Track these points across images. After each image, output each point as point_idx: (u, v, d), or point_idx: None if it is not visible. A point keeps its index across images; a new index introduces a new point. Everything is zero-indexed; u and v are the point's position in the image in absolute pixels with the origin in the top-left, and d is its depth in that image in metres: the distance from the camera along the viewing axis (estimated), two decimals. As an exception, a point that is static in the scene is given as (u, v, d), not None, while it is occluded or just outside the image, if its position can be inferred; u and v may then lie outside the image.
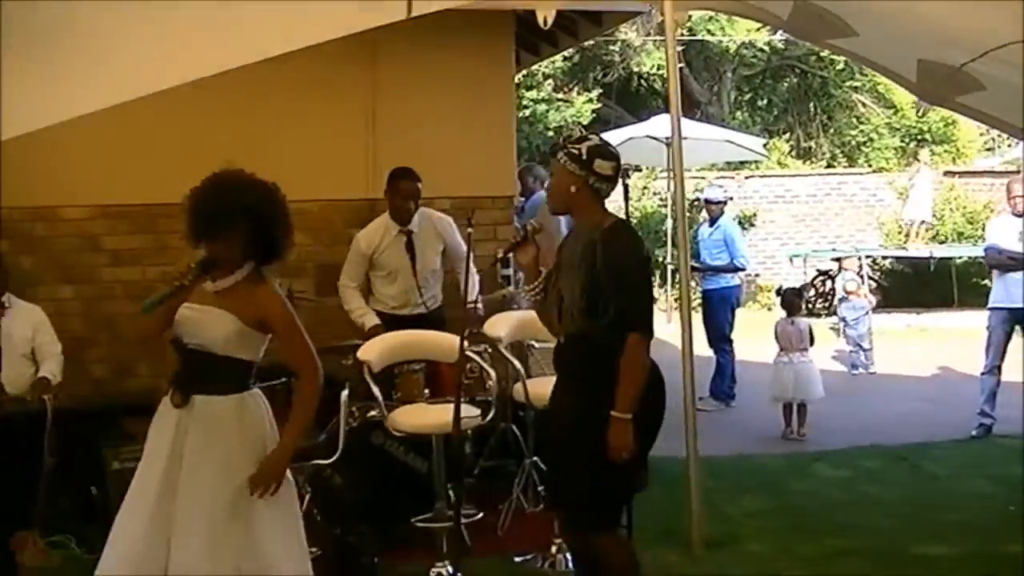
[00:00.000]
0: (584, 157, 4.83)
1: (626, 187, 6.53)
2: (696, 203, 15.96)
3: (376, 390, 6.15)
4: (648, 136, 16.15)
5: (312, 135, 8.58)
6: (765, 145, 20.14)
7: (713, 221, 11.47)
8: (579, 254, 4.85)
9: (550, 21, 7.11)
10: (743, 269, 11.39)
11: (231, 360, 4.52)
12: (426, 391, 6.85)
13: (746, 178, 21.24)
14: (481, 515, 6.71)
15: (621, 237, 4.90)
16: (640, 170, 20.26)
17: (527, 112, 20.84)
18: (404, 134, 8.64)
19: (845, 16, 6.23)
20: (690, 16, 21.26)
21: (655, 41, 22.09)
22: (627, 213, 6.49)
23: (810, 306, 18.11)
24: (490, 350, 6.97)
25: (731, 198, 11.82)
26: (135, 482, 4.52)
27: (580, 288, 4.78)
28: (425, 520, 6.32)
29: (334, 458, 5.98)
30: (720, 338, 11.14)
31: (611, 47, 21.59)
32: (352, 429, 6.56)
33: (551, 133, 21.64)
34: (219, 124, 8.35)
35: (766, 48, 23.30)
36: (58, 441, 6.73)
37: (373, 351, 6.33)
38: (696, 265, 11.13)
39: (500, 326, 6.65)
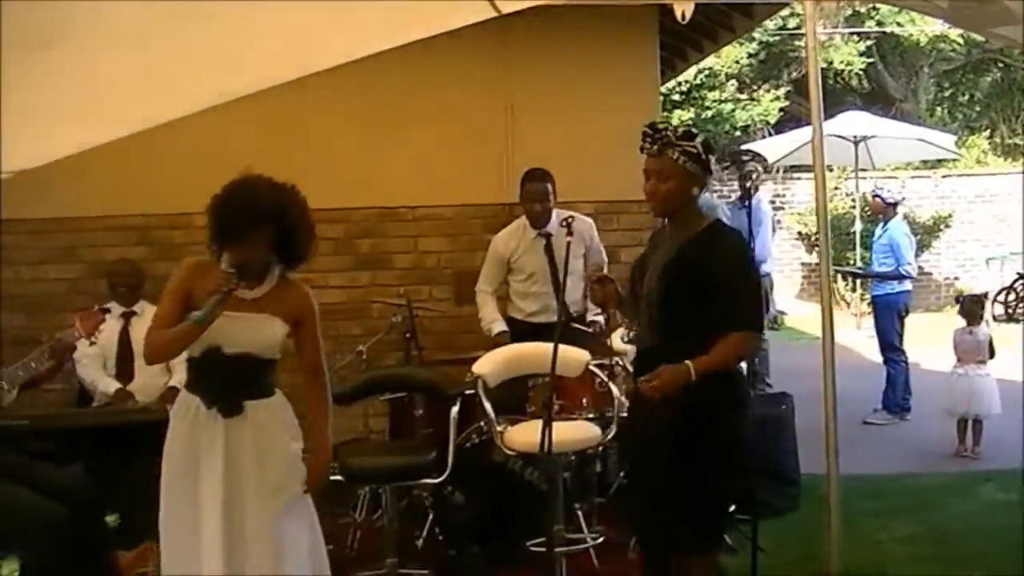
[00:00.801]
0: (703, 156, 4.48)
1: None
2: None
3: (488, 406, 5.82)
4: (835, 135, 15.47)
5: (447, 138, 8.43)
6: (958, 143, 19.23)
7: (885, 224, 10.82)
8: (674, 257, 4.52)
9: (688, 15, 6.67)
10: (908, 277, 10.60)
11: (273, 361, 4.58)
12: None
13: (943, 177, 20.32)
14: (603, 538, 6.39)
15: (724, 238, 4.57)
16: (831, 169, 19.56)
17: (710, 112, 20.33)
18: (543, 136, 8.39)
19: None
20: (876, 8, 20.59)
21: (843, 35, 21.33)
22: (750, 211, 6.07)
23: (1010, 311, 17.20)
24: (620, 363, 6.63)
25: (900, 199, 11.04)
26: (185, 498, 4.44)
27: (680, 292, 4.45)
28: (539, 544, 5.96)
29: (443, 476, 5.69)
30: (887, 347, 10.50)
31: (796, 43, 20.84)
32: (474, 446, 6.33)
33: (738, 133, 21.09)
34: (352, 128, 8.33)
35: (961, 41, 22.18)
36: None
37: (488, 365, 6.01)
38: (854, 270, 10.56)
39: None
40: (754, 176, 8.43)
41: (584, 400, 6.52)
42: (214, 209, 4.45)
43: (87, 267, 8.23)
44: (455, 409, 5.83)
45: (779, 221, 20.31)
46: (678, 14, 6.98)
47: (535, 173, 7.38)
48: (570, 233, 5.43)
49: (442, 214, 8.53)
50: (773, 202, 20.02)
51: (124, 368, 7.19)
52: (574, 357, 5.93)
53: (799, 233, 20.20)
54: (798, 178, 20.39)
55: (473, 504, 6.36)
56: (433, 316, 8.14)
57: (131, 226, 8.30)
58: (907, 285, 10.60)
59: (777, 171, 19.79)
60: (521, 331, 7.27)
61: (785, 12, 19.90)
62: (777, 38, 20.74)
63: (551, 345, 6.21)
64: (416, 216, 8.52)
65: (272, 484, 4.46)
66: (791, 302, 19.34)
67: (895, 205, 10.81)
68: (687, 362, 4.34)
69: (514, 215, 7.79)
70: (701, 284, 4.40)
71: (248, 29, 4.14)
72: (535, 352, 6.23)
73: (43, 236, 8.56)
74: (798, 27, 19.90)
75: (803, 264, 20.38)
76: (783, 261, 19.08)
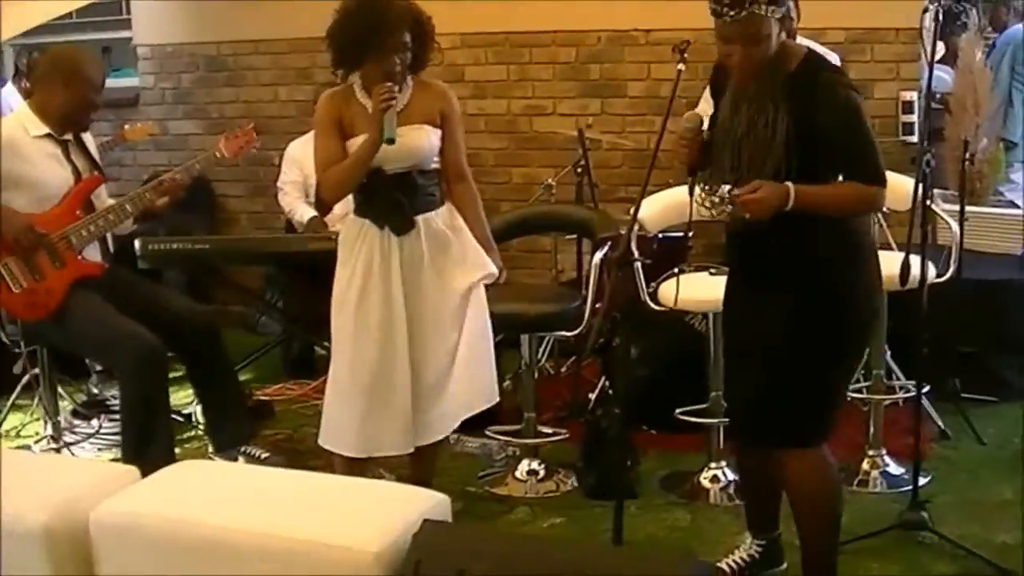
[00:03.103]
0: None
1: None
2: None
3: (636, 254, 5.13)
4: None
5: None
6: None
7: None
8: (768, 104, 3.67)
9: None
10: None
11: (436, 171, 4.52)
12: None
13: None
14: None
15: (825, 74, 3.70)
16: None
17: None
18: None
19: None
20: None
21: None
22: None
23: None
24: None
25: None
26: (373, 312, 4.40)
27: (780, 147, 3.61)
28: (693, 412, 5.27)
29: (578, 330, 5.16)
30: None
31: None
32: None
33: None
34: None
35: None
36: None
37: (650, 208, 5.21)
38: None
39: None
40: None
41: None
42: (345, 28, 4.32)
43: (318, 89, 8.01)
44: (598, 254, 5.22)
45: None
46: None
47: None
48: (682, 60, 4.51)
49: (679, 38, 7.70)
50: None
51: (326, 195, 6.96)
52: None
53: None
54: None
55: (648, 360, 5.82)
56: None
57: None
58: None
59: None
60: None
61: None
62: None
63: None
64: (650, 40, 7.75)
65: (455, 288, 4.49)
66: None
67: None
68: (788, 184, 3.59)
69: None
70: (812, 142, 3.61)
71: None
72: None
73: (278, 57, 8.46)
74: None
75: None
76: None
